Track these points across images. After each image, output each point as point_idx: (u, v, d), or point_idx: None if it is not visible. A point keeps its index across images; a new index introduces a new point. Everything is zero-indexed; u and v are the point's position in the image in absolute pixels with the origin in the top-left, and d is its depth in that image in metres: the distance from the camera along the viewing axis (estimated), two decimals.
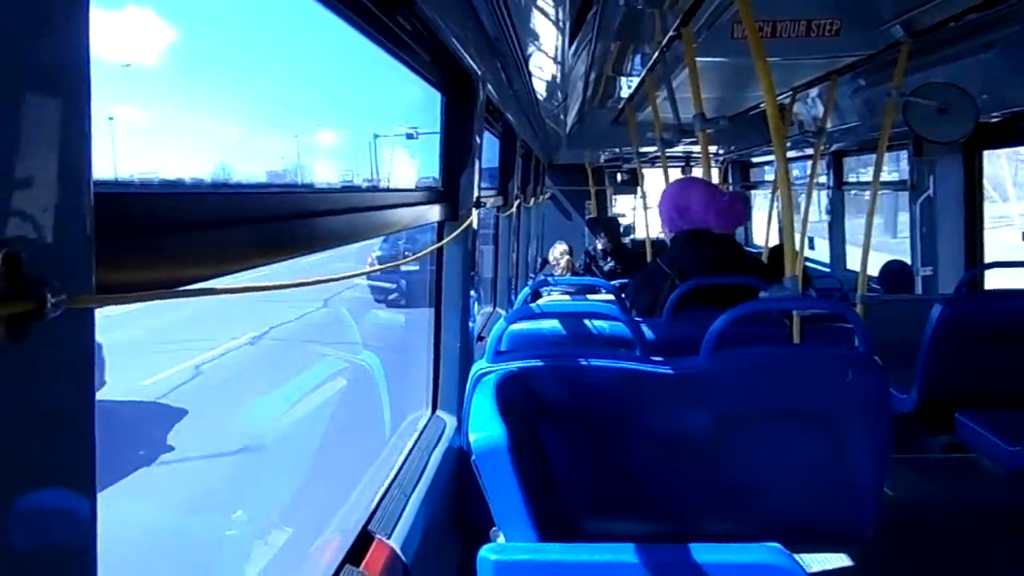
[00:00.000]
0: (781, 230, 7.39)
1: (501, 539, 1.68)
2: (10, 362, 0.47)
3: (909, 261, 5.01)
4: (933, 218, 4.64)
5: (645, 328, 2.35)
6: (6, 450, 0.47)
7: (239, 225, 0.89)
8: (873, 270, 5.36)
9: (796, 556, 1.55)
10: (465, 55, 2.02)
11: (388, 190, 2.08)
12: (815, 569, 2.71)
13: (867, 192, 4.20)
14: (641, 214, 7.59)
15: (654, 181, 7.48)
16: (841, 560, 2.72)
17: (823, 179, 6.29)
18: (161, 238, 0.71)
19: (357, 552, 1.56)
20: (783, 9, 3.32)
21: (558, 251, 6.95)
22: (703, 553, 1.53)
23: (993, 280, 4.33)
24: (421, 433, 2.25)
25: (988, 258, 4.55)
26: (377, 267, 2.06)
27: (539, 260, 7.87)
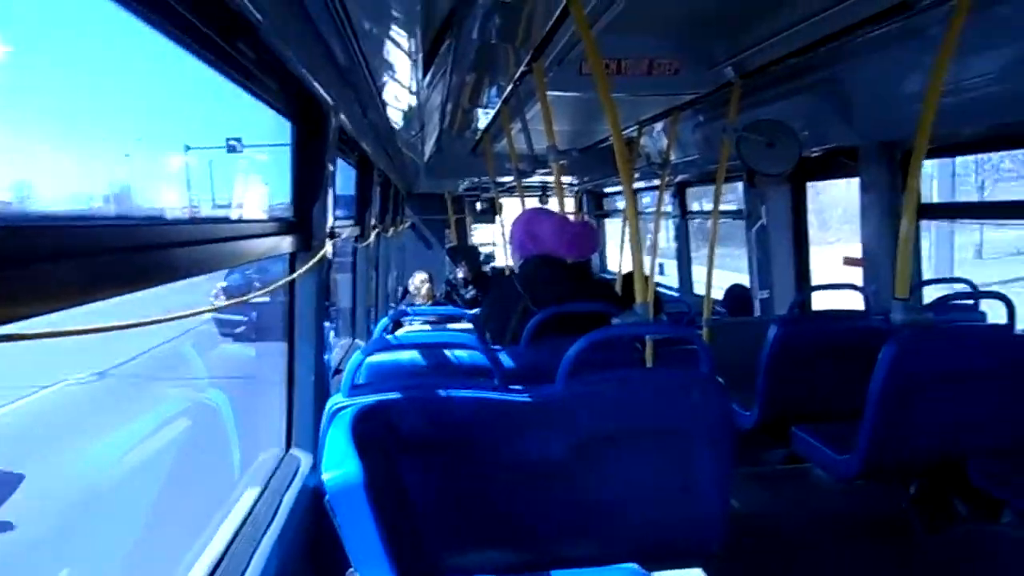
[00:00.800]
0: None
1: None
2: None
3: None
4: (767, 244, 4.98)
5: (503, 356, 2.37)
6: None
7: (83, 257, 0.82)
8: (720, 294, 5.68)
9: (652, 575, 1.59)
10: (315, 84, 1.98)
11: (238, 221, 1.99)
12: None
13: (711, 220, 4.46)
14: (501, 243, 7.69)
15: (512, 211, 7.62)
16: (695, 575, 2.83)
17: (669, 208, 6.62)
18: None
19: None
20: (627, 49, 3.50)
21: (418, 280, 6.92)
22: None
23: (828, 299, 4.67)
24: (273, 473, 2.15)
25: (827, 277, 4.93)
26: (225, 302, 1.96)
27: (400, 290, 7.81)
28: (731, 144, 3.87)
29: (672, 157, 5.00)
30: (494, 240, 10.14)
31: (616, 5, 2.61)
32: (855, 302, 3.76)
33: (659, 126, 5.15)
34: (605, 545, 2.13)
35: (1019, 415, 2.76)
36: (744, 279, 5.51)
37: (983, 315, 3.59)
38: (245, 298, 1.68)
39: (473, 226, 10.20)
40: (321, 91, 2.07)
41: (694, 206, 6.70)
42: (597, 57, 2.62)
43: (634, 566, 1.61)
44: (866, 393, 2.69)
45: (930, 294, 3.75)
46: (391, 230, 6.10)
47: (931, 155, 3.20)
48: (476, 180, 8.24)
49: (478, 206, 9.63)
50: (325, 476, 1.59)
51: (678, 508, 2.14)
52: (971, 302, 3.58)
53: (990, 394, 2.73)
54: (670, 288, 7.07)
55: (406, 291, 7.35)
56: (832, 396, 3.18)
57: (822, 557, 3.05)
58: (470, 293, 7.46)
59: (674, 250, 6.95)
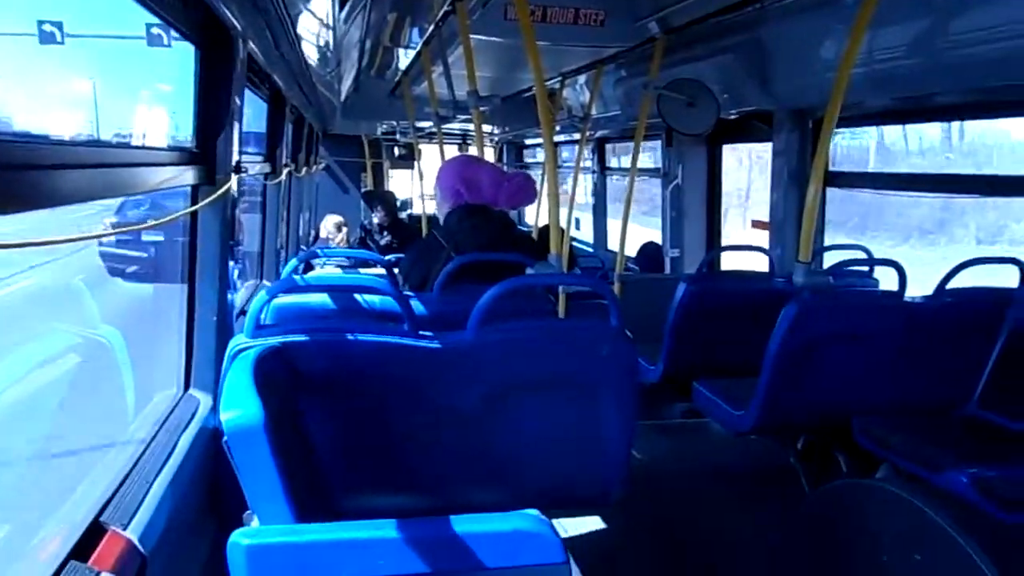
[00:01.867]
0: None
1: (256, 523, 1.59)
2: None
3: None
4: (681, 204, 5.07)
5: (416, 303, 2.34)
6: None
7: None
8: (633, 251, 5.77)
9: (553, 521, 1.62)
10: (221, 6, 1.87)
11: (136, 147, 1.88)
12: (570, 532, 2.88)
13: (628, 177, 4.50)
14: (418, 189, 7.58)
15: (431, 157, 7.50)
16: (594, 522, 2.90)
17: (588, 163, 6.65)
18: None
19: (85, 546, 1.40)
20: None
21: (331, 224, 6.75)
22: (461, 524, 1.55)
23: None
24: (170, 413, 2.07)
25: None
26: (116, 230, 1.85)
27: (312, 233, 7.61)
28: (652, 101, 3.89)
29: (593, 111, 5.00)
30: (412, 186, 9.99)
31: None
32: (761, 264, 3.87)
33: (582, 79, 5.12)
34: (509, 492, 2.15)
35: (903, 378, 2.92)
36: (656, 237, 5.61)
37: (876, 282, 3.76)
38: (142, 226, 1.59)
39: (390, 171, 10.00)
40: (228, 15, 1.95)
41: (612, 162, 6.75)
42: (524, 2, 2.56)
43: (535, 512, 1.63)
44: (765, 352, 2.79)
45: (830, 259, 3.91)
46: (304, 170, 5.91)
47: (841, 124, 3.29)
48: (395, 124, 8.06)
49: (396, 151, 9.45)
50: (223, 416, 1.54)
51: (582, 457, 2.18)
52: (867, 269, 3.74)
53: (879, 356, 2.88)
54: (585, 243, 7.14)
55: (318, 235, 7.18)
56: (734, 353, 3.29)
57: (714, 506, 3.19)
58: (385, 239, 7.35)
59: (590, 205, 7.01)
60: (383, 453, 2.07)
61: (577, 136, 5.59)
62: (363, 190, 9.46)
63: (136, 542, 1.48)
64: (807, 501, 2.44)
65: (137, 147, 1.84)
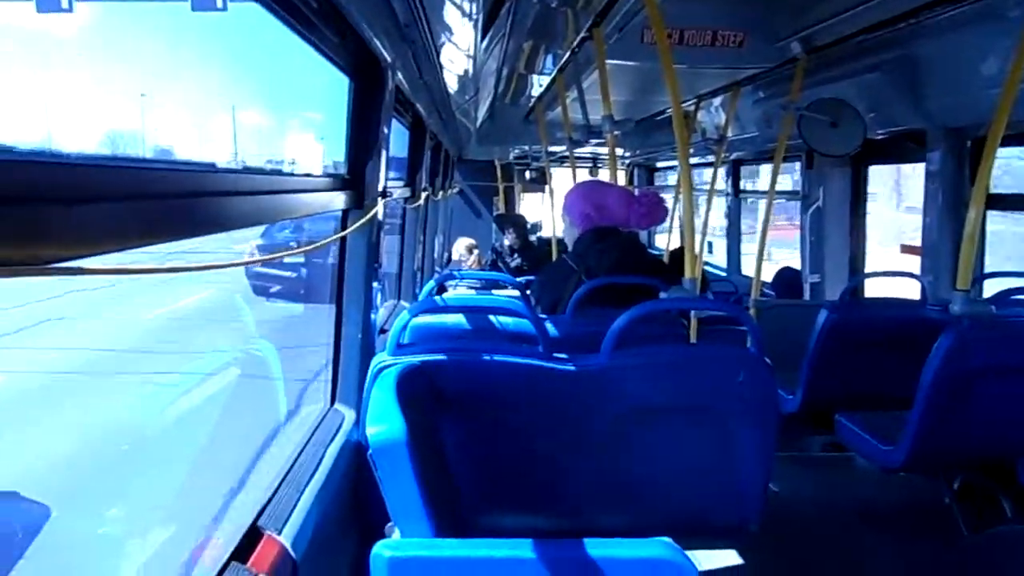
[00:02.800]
0: (683, 234, 7.61)
1: (397, 535, 1.65)
2: None
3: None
4: (821, 228, 4.87)
5: (548, 324, 2.37)
6: None
7: (132, 200, 0.83)
8: (769, 276, 5.59)
9: (686, 551, 1.59)
10: (375, 40, 1.98)
11: (292, 175, 2.01)
12: (703, 563, 2.80)
13: (764, 199, 4.37)
14: (549, 212, 7.66)
15: (562, 180, 7.56)
16: (728, 554, 2.81)
17: (721, 185, 6.51)
18: (38, 210, 0.65)
19: (245, 549, 1.50)
20: (691, 18, 3.41)
21: (463, 246, 6.92)
22: (595, 548, 1.55)
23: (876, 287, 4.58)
24: (318, 426, 2.19)
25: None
26: (276, 255, 1.99)
27: (445, 255, 7.83)
28: (792, 122, 3.77)
29: (729, 133, 4.90)
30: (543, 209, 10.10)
31: None
32: (910, 291, 3.66)
33: (717, 100, 5.04)
34: (639, 517, 2.13)
35: None
36: (788, 263, 5.41)
37: None
38: (302, 249, 1.70)
39: (521, 195, 10.15)
40: (380, 48, 2.06)
41: (747, 185, 6.58)
42: (661, 25, 2.56)
43: (667, 540, 1.60)
44: (916, 384, 2.63)
45: (991, 288, 3.64)
46: (440, 194, 6.11)
47: (1005, 143, 3.08)
48: (527, 148, 8.18)
49: (527, 175, 9.59)
50: (369, 431, 1.61)
51: (715, 486, 2.13)
52: None
53: None
54: (717, 267, 6.98)
55: (451, 257, 7.37)
56: (880, 385, 3.11)
57: (858, 546, 3.01)
58: (516, 261, 7.46)
59: (722, 229, 6.85)
60: (516, 472, 2.09)
61: (711, 158, 5.50)
62: (495, 213, 9.64)
63: (288, 547, 1.56)
64: (965, 546, 2.27)
65: (297, 175, 1.97)
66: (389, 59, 2.19)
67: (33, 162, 0.72)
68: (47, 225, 0.67)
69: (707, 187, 5.63)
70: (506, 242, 7.63)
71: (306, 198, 1.84)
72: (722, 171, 6.10)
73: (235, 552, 1.48)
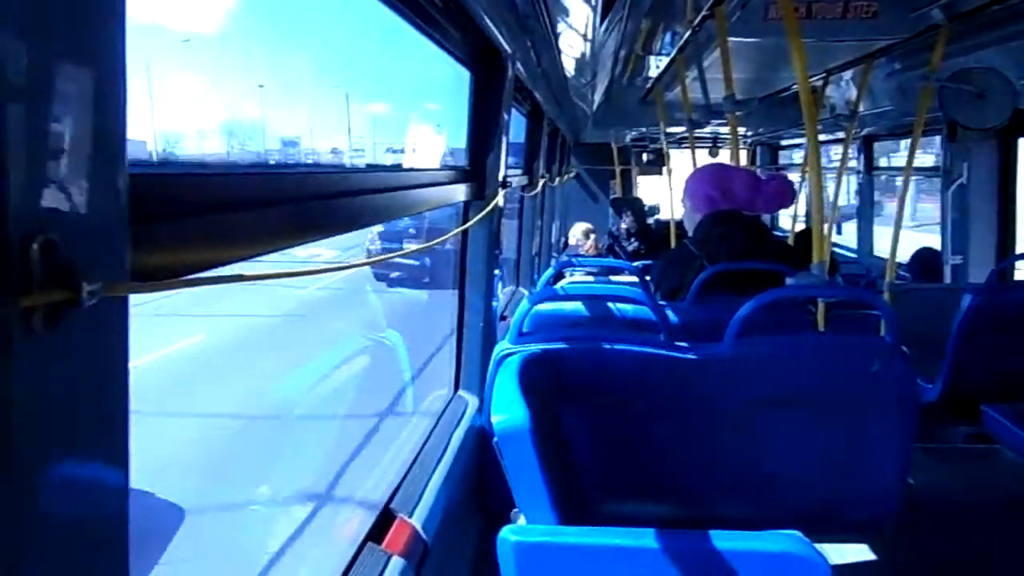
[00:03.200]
0: (807, 214, 7.31)
1: (522, 520, 1.68)
2: (43, 352, 0.46)
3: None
4: (965, 206, 4.56)
5: (669, 312, 2.34)
6: (41, 443, 0.47)
7: (272, 206, 0.88)
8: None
9: (816, 545, 1.54)
10: (495, 32, 2.00)
11: (414, 169, 2.07)
12: (835, 558, 2.70)
13: (897, 177, 4.14)
14: (666, 195, 7.52)
15: (680, 162, 7.41)
16: (861, 549, 2.70)
17: (852, 163, 6.20)
18: (193, 221, 0.70)
19: (379, 530, 1.57)
20: None
21: (580, 231, 6.89)
22: (723, 540, 1.53)
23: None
24: (443, 412, 2.25)
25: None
26: (413, 248, 2.06)
27: (562, 240, 7.83)
28: (932, 94, 3.54)
29: (861, 108, 4.64)
30: (660, 192, 9.92)
31: None
32: None
33: (847, 74, 4.78)
34: (765, 510, 2.08)
35: None
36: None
37: None
38: (432, 243, 1.75)
39: (638, 177, 10.00)
40: (500, 39, 2.08)
41: (880, 162, 6.24)
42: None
43: (798, 534, 1.56)
44: None
45: None
46: (557, 180, 6.11)
47: None
48: (644, 130, 8.05)
49: (644, 157, 9.44)
50: (494, 419, 1.65)
51: (848, 479, 2.05)
52: None
53: None
54: (847, 249, 6.66)
55: (567, 242, 7.36)
56: None
57: (1004, 545, 2.82)
58: (633, 245, 7.37)
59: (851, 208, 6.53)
60: (637, 461, 2.09)
61: (839, 134, 5.24)
62: (611, 197, 9.55)
63: (420, 529, 1.63)
64: None
65: (419, 169, 2.02)
66: (509, 50, 2.21)
67: (183, 175, 0.78)
68: (207, 234, 0.72)
69: (835, 165, 5.38)
70: (623, 226, 7.55)
71: (430, 192, 1.88)
72: (852, 148, 5.81)
73: (370, 533, 1.55)
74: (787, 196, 2.85)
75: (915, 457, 2.20)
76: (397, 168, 2.34)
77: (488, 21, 1.91)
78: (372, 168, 2.20)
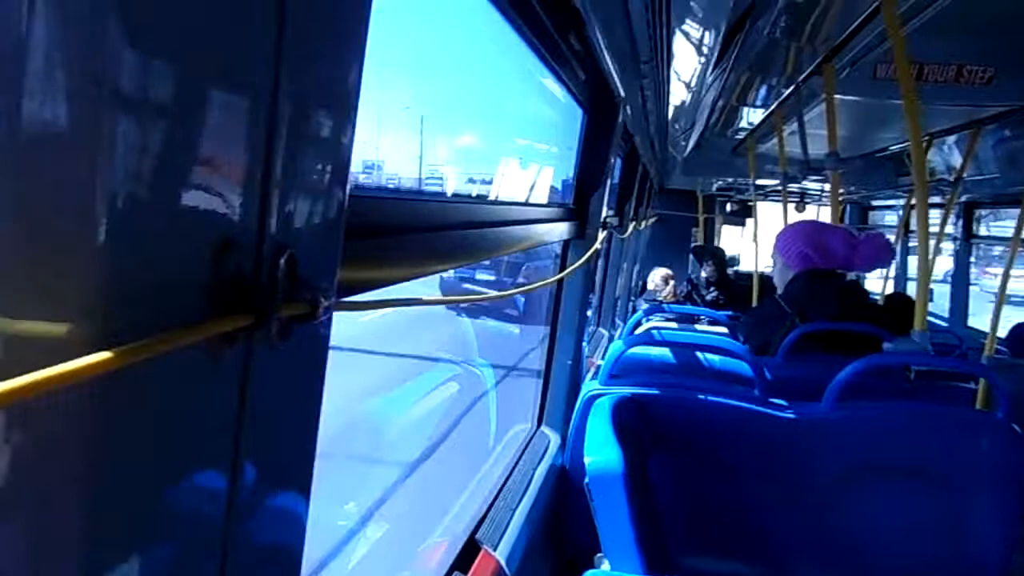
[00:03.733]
0: (896, 278, 7.09)
1: (606, 566, 1.66)
2: (276, 364, 0.49)
3: None
4: None
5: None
6: (253, 448, 0.49)
7: (438, 231, 0.91)
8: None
9: None
10: (614, 75, 2.02)
11: (526, 204, 2.10)
12: None
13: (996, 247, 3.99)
14: (750, 246, 7.40)
15: (766, 215, 7.30)
16: None
17: (949, 229, 6.00)
18: (379, 241, 0.73)
19: (464, 559, 1.57)
20: (934, 52, 3.19)
21: (659, 276, 6.83)
22: None
23: None
24: (526, 448, 2.25)
25: None
26: (511, 291, 2.08)
27: (640, 283, 7.78)
28: None
29: (964, 174, 4.51)
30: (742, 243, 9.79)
31: (935, 5, 2.39)
32: None
33: (951, 138, 4.65)
34: None
35: None
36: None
37: None
38: (538, 284, 1.76)
39: (721, 227, 9.90)
40: (617, 83, 2.11)
41: (981, 230, 6.02)
42: (904, 61, 2.42)
43: None
44: None
45: None
46: (643, 223, 6.10)
47: None
48: (730, 180, 7.97)
49: (728, 207, 9.34)
50: (587, 459, 1.64)
51: (947, 558, 1.96)
52: None
53: None
54: (937, 316, 6.42)
55: (645, 286, 7.30)
56: None
57: None
58: (712, 295, 7.26)
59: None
60: (725, 517, 2.04)
61: (936, 199, 5.08)
62: (693, 244, 9.46)
63: (503, 564, 1.62)
64: None
65: (529, 204, 2.06)
66: (623, 93, 2.23)
67: (378, 199, 0.81)
68: (398, 253, 0.75)
69: (932, 231, 5.21)
70: (703, 274, 7.46)
71: (537, 228, 1.91)
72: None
73: (455, 563, 1.55)
74: (885, 255, 2.78)
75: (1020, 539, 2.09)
76: (514, 203, 2.37)
77: (608, 63, 1.93)
78: (495, 202, 2.25)
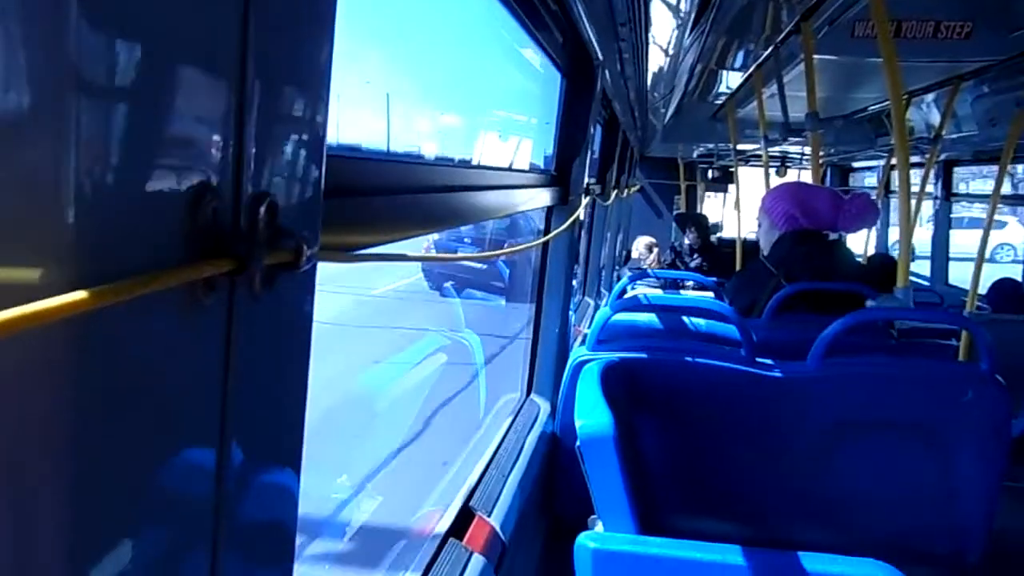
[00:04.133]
0: (878, 238, 7.14)
1: (599, 527, 1.67)
2: (260, 313, 0.48)
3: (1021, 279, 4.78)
4: None
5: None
6: (246, 403, 0.48)
7: (420, 193, 0.90)
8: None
9: None
10: (592, 39, 2.00)
11: (508, 170, 2.09)
12: None
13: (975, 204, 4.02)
14: (731, 212, 7.43)
15: (748, 181, 7.32)
16: None
17: (929, 188, 6.04)
18: (362, 200, 0.72)
19: (459, 527, 1.58)
20: (912, 9, 3.18)
21: (642, 244, 6.85)
22: (808, 561, 1.49)
23: None
24: (516, 415, 2.25)
25: None
26: (490, 253, 2.07)
27: (624, 252, 7.79)
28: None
29: (944, 132, 4.52)
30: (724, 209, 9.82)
31: None
32: None
33: (929, 96, 4.66)
34: (843, 536, 2.03)
35: None
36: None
37: None
38: (522, 247, 1.76)
39: (704, 194, 9.92)
40: (595, 47, 2.09)
41: (960, 188, 6.07)
42: (884, 17, 2.42)
43: (882, 563, 1.52)
44: None
45: None
46: (625, 192, 6.09)
47: None
48: (711, 146, 7.96)
49: (710, 173, 9.35)
50: (578, 423, 1.64)
51: (930, 510, 2.00)
52: None
53: None
54: (919, 276, 6.48)
55: (629, 254, 7.32)
56: None
57: None
58: (695, 261, 7.30)
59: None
60: (712, 476, 2.06)
61: (916, 159, 5.10)
62: (675, 212, 9.48)
63: (498, 529, 1.63)
64: None
65: (511, 169, 2.04)
66: (600, 57, 2.21)
67: (364, 159, 0.80)
68: (377, 214, 0.74)
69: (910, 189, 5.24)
70: (686, 241, 7.49)
71: (519, 194, 1.90)
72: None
73: (451, 529, 1.56)
74: (870, 215, 2.79)
75: (1003, 494, 2.12)
76: (495, 168, 2.35)
77: (587, 27, 1.91)
78: (477, 166, 2.23)
